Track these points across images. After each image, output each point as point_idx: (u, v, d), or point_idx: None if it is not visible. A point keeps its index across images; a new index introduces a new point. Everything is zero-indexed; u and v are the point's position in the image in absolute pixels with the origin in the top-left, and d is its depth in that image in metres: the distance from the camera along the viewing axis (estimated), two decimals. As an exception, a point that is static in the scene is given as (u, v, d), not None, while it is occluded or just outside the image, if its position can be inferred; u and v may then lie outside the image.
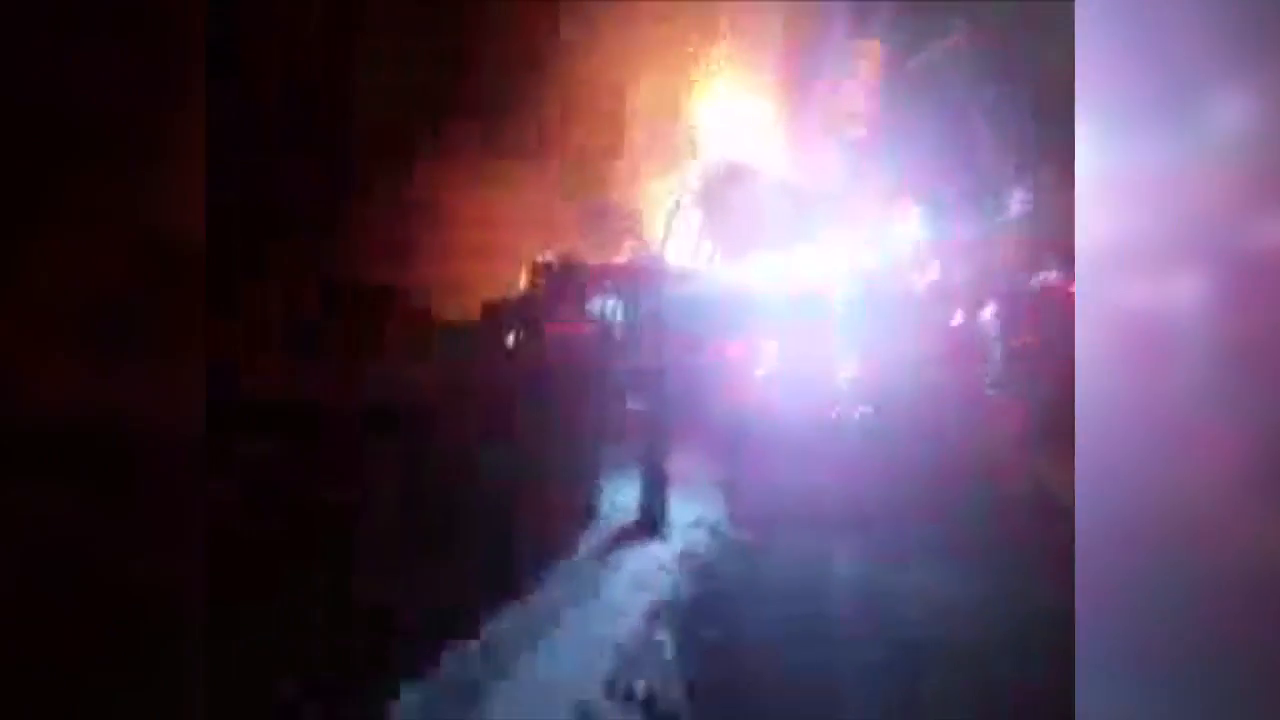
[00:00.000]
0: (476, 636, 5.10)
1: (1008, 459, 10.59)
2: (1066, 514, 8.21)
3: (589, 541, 7.20)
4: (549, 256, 14.82)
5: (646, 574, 6.48)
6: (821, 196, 18.88)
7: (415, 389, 6.03)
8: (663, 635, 5.40)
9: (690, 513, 8.06)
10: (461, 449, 5.90)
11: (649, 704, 4.57)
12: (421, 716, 4.17)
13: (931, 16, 18.71)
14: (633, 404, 9.33)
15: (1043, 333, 12.68)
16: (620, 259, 16.03)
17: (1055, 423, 11.01)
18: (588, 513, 7.66)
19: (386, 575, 4.63)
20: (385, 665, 4.38)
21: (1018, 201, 17.69)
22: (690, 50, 18.62)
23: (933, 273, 17.89)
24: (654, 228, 17.45)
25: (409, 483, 5.29)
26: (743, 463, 10.10)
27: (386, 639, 4.49)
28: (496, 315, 12.25)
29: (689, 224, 17.28)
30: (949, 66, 18.30)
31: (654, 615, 5.68)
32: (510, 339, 11.62)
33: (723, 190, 18.09)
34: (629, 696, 4.62)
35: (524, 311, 12.47)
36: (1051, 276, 14.62)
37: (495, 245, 14.91)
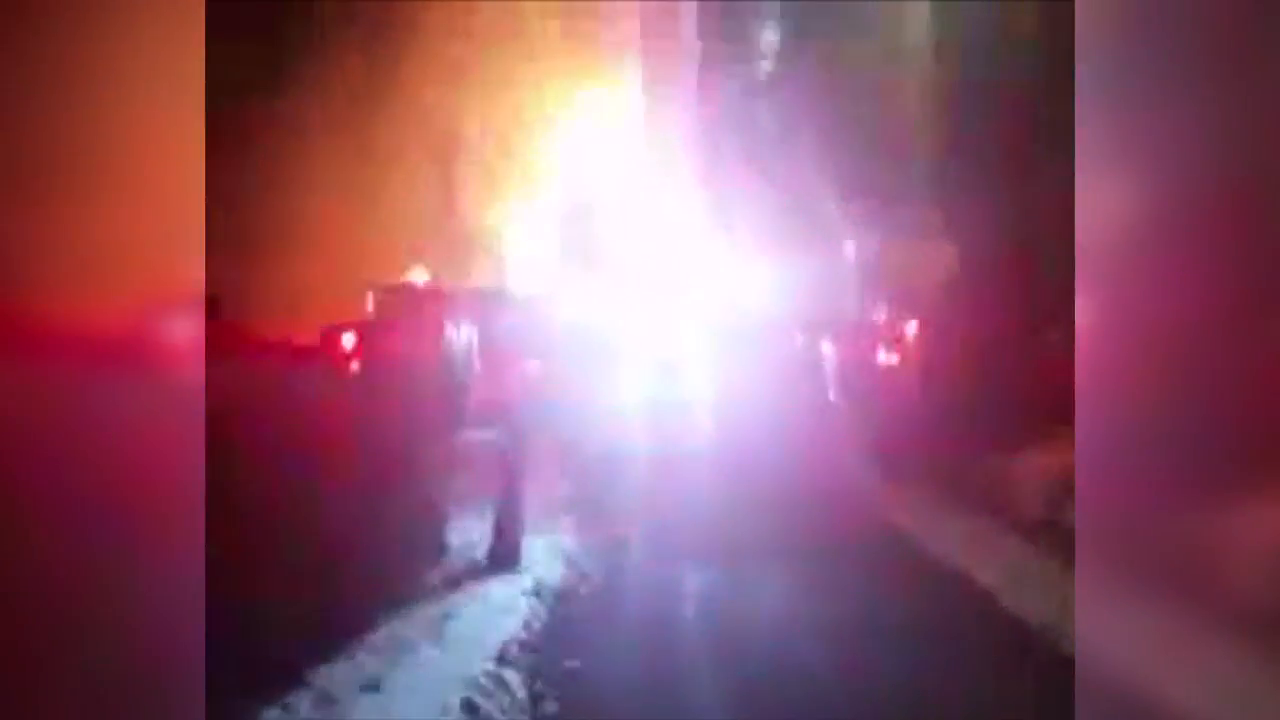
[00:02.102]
0: (306, 682, 4.72)
1: (852, 482, 10.86)
2: (907, 539, 8.40)
3: (438, 578, 6.87)
4: (398, 278, 14.28)
5: (497, 608, 6.20)
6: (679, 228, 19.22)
7: (245, 413, 5.56)
8: (512, 672, 5.15)
9: (543, 545, 7.83)
10: (299, 481, 5.49)
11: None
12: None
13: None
14: (484, 435, 9.03)
15: (878, 362, 13.43)
16: (474, 282, 15.65)
17: (894, 439, 11.55)
18: (438, 548, 7.31)
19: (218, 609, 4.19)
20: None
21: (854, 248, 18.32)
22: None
23: (782, 305, 18.35)
24: (510, 248, 17.22)
25: (245, 513, 4.84)
26: (598, 493, 9.96)
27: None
28: (338, 337, 11.64)
29: (546, 247, 17.13)
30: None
31: (503, 650, 5.41)
32: (355, 365, 11.06)
33: (583, 215, 18.09)
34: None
35: (370, 336, 11.91)
36: (883, 314, 15.47)
37: (339, 261, 14.27)
